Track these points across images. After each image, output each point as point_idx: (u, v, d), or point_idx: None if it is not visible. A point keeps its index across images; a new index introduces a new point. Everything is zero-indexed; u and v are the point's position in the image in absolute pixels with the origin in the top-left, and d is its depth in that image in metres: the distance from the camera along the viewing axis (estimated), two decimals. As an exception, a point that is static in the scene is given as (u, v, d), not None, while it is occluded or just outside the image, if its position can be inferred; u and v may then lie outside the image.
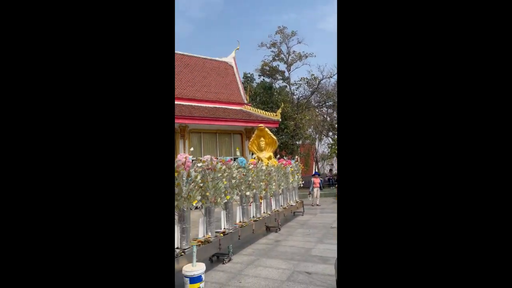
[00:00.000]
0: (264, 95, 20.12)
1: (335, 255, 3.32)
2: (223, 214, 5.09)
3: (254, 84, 22.16)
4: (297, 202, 8.91)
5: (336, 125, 18.46)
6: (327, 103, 21.22)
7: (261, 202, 6.56)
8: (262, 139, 8.94)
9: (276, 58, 20.19)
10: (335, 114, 20.56)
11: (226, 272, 4.30)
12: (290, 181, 8.34)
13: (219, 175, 4.64)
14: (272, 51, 20.11)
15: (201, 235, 4.42)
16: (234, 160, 5.53)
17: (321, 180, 13.47)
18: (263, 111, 15.23)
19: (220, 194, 4.65)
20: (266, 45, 20.12)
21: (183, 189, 3.85)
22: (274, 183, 7.00)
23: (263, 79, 21.50)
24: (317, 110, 21.81)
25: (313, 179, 12.06)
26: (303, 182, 9.59)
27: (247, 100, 16.00)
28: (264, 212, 6.62)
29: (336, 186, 15.07)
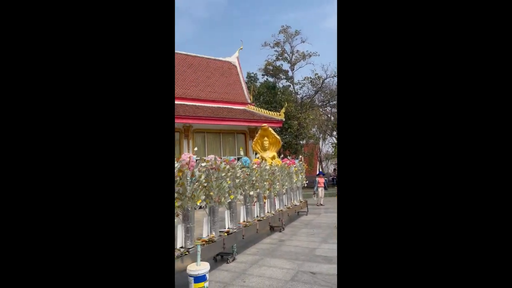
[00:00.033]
0: (268, 95, 20.10)
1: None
2: (227, 214, 5.10)
3: (258, 84, 22.15)
4: (301, 201, 8.89)
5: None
6: (331, 103, 21.14)
7: (265, 202, 6.55)
8: (265, 138, 8.94)
9: (280, 58, 20.19)
10: (339, 114, 20.44)
11: (230, 271, 4.30)
12: (294, 180, 8.32)
13: (223, 174, 4.65)
14: (276, 51, 20.14)
15: (205, 234, 4.43)
16: (238, 159, 5.53)
17: (325, 180, 13.41)
18: (267, 110, 15.22)
19: (224, 194, 4.66)
20: (269, 44, 20.15)
21: (187, 188, 3.85)
22: (277, 183, 6.99)
23: (267, 79, 21.50)
24: (321, 110, 21.76)
25: (317, 178, 12.02)
26: (307, 182, 9.57)
27: (250, 99, 15.99)
28: (268, 212, 6.62)
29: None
